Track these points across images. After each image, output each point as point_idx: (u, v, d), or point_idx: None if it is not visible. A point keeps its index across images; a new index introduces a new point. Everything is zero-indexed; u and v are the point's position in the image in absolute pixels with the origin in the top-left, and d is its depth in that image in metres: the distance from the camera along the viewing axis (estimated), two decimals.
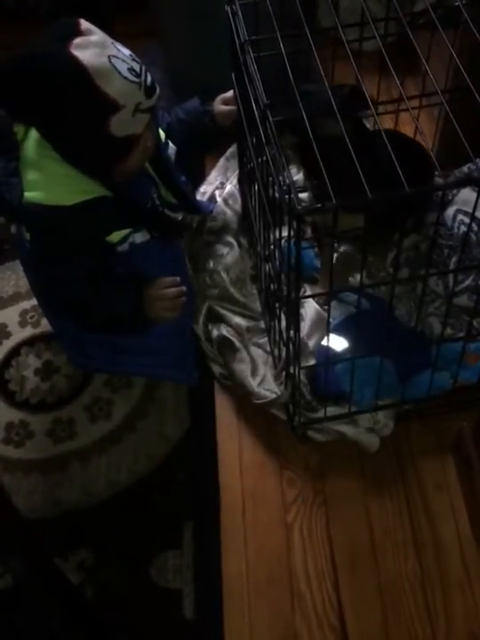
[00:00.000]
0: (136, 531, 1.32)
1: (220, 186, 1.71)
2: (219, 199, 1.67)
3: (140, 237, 1.29)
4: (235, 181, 1.67)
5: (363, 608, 1.22)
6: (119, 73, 1.08)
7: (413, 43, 1.19)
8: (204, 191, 1.70)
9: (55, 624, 1.21)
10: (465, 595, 1.23)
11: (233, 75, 1.30)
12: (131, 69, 1.10)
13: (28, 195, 1.16)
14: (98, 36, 1.09)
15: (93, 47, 1.07)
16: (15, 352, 1.53)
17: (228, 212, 1.63)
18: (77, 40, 1.07)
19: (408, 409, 1.38)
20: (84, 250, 1.21)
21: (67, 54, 1.06)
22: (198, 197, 1.68)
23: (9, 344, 1.54)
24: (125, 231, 1.26)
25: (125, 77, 1.09)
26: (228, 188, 1.68)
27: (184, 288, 1.26)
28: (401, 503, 1.32)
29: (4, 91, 1.09)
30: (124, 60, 1.10)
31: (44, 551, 1.28)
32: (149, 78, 1.14)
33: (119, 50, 1.11)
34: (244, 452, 1.40)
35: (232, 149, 1.73)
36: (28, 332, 1.56)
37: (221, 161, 1.76)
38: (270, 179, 1.12)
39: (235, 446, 1.40)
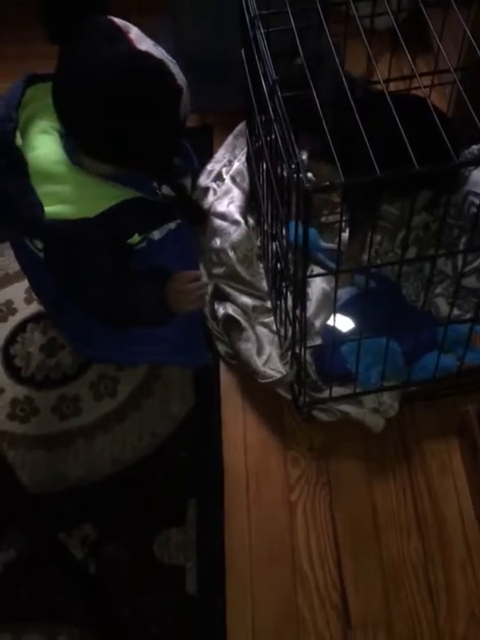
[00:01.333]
0: (140, 507, 1.32)
1: (227, 163, 1.70)
2: (226, 177, 1.66)
3: (157, 234, 1.28)
4: (243, 159, 1.66)
5: (365, 587, 1.23)
6: (167, 57, 1.10)
7: (426, 19, 1.17)
8: (211, 169, 1.69)
9: (58, 598, 1.23)
10: (467, 575, 1.23)
11: (242, 50, 1.28)
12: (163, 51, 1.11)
13: (51, 210, 1.12)
14: (135, 27, 1.09)
15: (144, 39, 1.08)
16: (21, 328, 1.53)
17: (236, 189, 1.62)
18: (131, 35, 1.06)
19: (413, 390, 1.38)
20: (106, 253, 1.20)
21: (140, 51, 1.05)
22: (205, 175, 1.67)
23: (15, 320, 1.54)
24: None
25: (171, 60, 1.10)
26: (236, 165, 1.67)
27: (206, 280, 1.27)
28: (405, 484, 1.32)
29: (81, 106, 1.09)
30: (155, 44, 1.10)
31: (48, 526, 1.29)
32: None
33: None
34: (249, 430, 1.40)
35: (240, 127, 1.72)
36: (34, 308, 1.55)
37: (229, 138, 1.74)
38: (279, 157, 1.11)
39: (239, 425, 1.40)
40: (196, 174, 1.54)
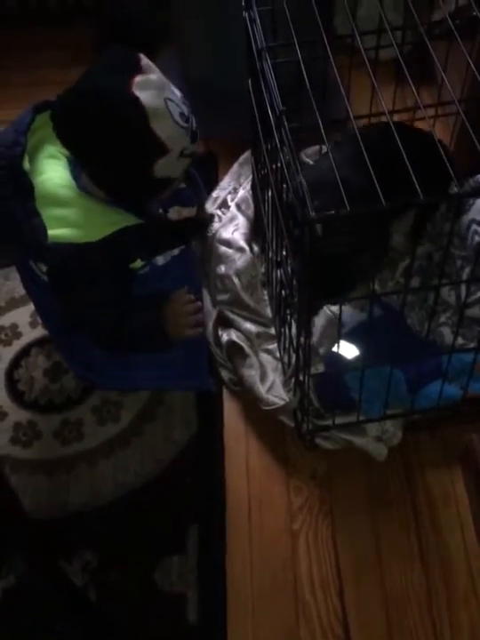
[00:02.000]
0: (141, 534, 1.31)
1: (232, 191, 1.71)
2: (231, 204, 1.67)
3: (161, 260, 1.30)
4: (248, 186, 1.67)
5: (367, 618, 1.21)
6: (172, 117, 1.09)
7: (431, 52, 1.19)
8: (216, 196, 1.71)
9: (58, 626, 1.21)
10: (470, 607, 1.22)
11: (249, 81, 1.30)
12: (182, 114, 1.11)
13: (55, 233, 1.13)
14: (157, 75, 1.10)
15: (153, 88, 1.08)
16: (25, 352, 1.54)
17: (241, 216, 1.63)
18: (138, 78, 1.07)
19: (417, 419, 1.37)
20: (108, 277, 1.20)
21: (129, 94, 1.06)
22: (210, 203, 1.68)
23: (19, 344, 1.55)
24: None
25: (176, 122, 1.10)
26: (241, 193, 1.68)
27: (200, 304, 1.29)
28: (408, 514, 1.31)
29: (64, 123, 1.12)
30: (177, 104, 1.11)
31: (49, 552, 1.28)
32: (195, 124, 1.15)
33: (173, 92, 1.12)
34: (251, 458, 1.39)
35: (245, 155, 1.73)
36: (39, 332, 1.56)
37: (235, 166, 1.76)
38: (284, 185, 1.12)
39: (242, 452, 1.40)
40: (202, 205, 1.54)
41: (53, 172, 1.18)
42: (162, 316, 1.26)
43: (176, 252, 1.32)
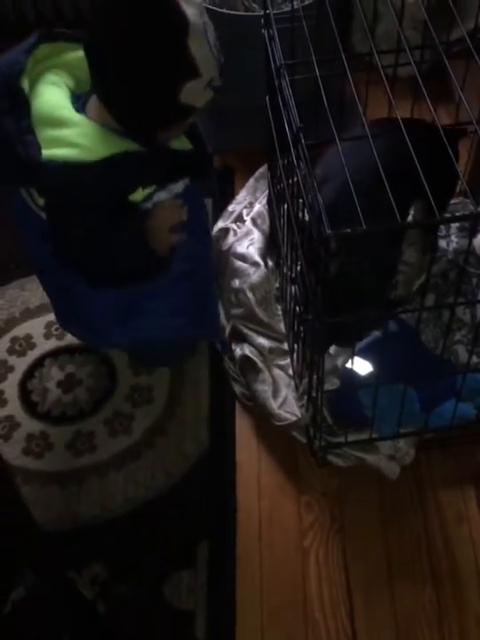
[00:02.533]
0: (151, 548, 1.31)
1: (248, 205, 1.72)
2: (247, 218, 1.67)
3: (164, 195, 1.20)
4: (263, 201, 1.67)
5: (377, 638, 1.20)
6: (208, 41, 1.04)
7: (449, 70, 1.19)
8: (232, 210, 1.71)
9: (66, 638, 1.21)
10: None
11: (267, 97, 1.31)
12: (215, 44, 1.06)
13: (49, 153, 1.06)
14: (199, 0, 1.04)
15: (196, 8, 1.03)
16: (39, 363, 1.54)
17: (256, 231, 1.64)
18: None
19: (430, 437, 1.37)
20: (104, 204, 1.12)
21: (175, 3, 1.00)
22: (226, 217, 1.68)
23: (33, 355, 1.55)
24: (149, 189, 1.17)
25: (211, 48, 1.04)
26: (257, 207, 1.68)
27: (185, 209, 1.19)
28: (420, 533, 1.30)
29: (98, 19, 1.06)
30: (212, 32, 1.06)
31: (59, 564, 1.28)
32: (222, 59, 1.09)
33: (209, 21, 1.06)
34: (263, 473, 1.39)
35: (262, 170, 1.74)
36: (53, 343, 1.56)
37: (251, 181, 1.76)
38: (300, 200, 1.12)
39: (253, 468, 1.39)
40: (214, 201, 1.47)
41: (52, 95, 1.12)
42: (147, 229, 1.16)
43: (180, 188, 1.21)
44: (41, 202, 1.16)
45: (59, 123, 1.08)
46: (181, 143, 1.20)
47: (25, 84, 1.10)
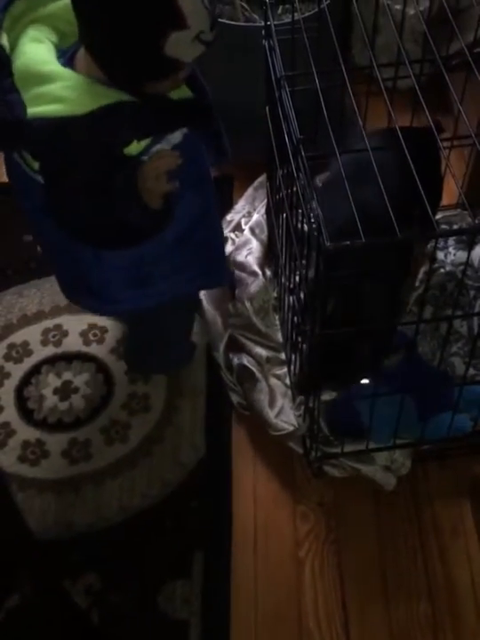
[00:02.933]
0: (146, 557, 1.31)
1: (246, 215, 1.72)
2: (245, 228, 1.68)
3: (161, 147, 1.13)
4: (262, 211, 1.68)
5: None
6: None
7: (448, 83, 1.19)
8: (230, 219, 1.71)
9: None
10: None
11: (267, 108, 1.31)
12: None
13: (35, 111, 1.01)
14: None
15: None
16: (36, 370, 1.54)
17: (254, 241, 1.64)
18: None
19: (426, 449, 1.37)
20: (97, 158, 1.07)
21: None
22: (224, 226, 1.68)
23: (30, 362, 1.55)
24: (146, 142, 1.11)
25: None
26: (255, 217, 1.69)
27: (180, 159, 1.10)
28: (415, 545, 1.30)
29: None
30: None
31: (54, 573, 1.28)
32: (216, 12, 1.02)
33: None
34: (259, 483, 1.39)
35: (260, 179, 1.74)
36: (50, 350, 1.56)
37: (249, 190, 1.77)
38: (299, 211, 1.12)
39: (249, 477, 1.39)
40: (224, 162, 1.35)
41: (35, 51, 1.06)
42: (138, 175, 1.09)
43: (178, 139, 1.14)
44: (36, 165, 1.10)
45: (43, 79, 1.02)
46: (180, 92, 1.13)
47: (3, 39, 1.05)
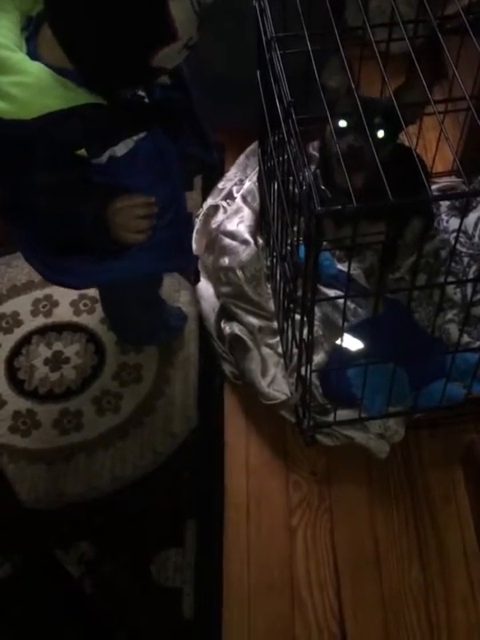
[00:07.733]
0: (138, 526, 1.31)
1: (238, 182, 1.70)
2: (237, 196, 1.66)
3: (123, 149, 1.06)
4: (254, 178, 1.65)
5: (364, 618, 1.21)
6: (191, 1, 0.92)
7: (443, 46, 1.17)
8: (222, 187, 1.69)
9: (52, 616, 1.21)
10: (468, 609, 1.21)
11: (258, 72, 1.28)
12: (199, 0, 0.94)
13: None
14: None
15: None
16: (26, 340, 1.53)
17: (246, 209, 1.62)
18: None
19: (419, 417, 1.36)
20: (46, 161, 1.00)
21: None
22: (216, 194, 1.66)
23: (20, 332, 1.54)
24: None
25: (193, 7, 0.93)
26: (247, 184, 1.66)
27: (156, 209, 1.07)
28: (407, 513, 1.30)
29: None
30: None
31: (45, 542, 1.28)
32: (203, 12, 0.96)
33: None
34: (251, 452, 1.38)
35: (252, 147, 1.72)
36: (40, 321, 1.55)
37: (241, 158, 1.74)
38: (290, 177, 1.11)
39: (242, 446, 1.39)
40: (211, 166, 1.34)
41: None
42: (106, 210, 1.04)
43: (141, 136, 1.07)
44: None
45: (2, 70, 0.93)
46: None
47: None
